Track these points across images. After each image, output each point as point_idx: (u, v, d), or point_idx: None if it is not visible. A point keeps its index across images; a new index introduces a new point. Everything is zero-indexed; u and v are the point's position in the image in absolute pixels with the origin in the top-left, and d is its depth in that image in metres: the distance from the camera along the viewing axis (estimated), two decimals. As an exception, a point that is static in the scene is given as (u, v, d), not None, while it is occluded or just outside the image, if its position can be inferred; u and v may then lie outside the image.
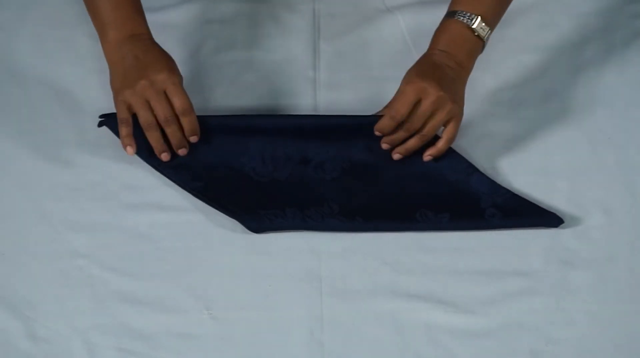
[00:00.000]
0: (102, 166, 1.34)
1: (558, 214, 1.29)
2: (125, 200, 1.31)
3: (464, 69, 1.33)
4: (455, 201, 1.30)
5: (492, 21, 1.35)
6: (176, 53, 1.42)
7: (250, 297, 1.23)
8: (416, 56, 1.39)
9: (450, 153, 1.34)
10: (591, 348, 1.19)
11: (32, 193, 1.32)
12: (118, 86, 1.32)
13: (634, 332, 1.21)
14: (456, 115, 1.31)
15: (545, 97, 1.43)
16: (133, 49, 1.33)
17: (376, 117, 1.33)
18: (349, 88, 1.44)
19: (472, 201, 1.30)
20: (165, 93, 1.31)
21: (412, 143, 1.32)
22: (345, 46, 1.49)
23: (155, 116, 1.31)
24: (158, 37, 1.38)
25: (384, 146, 1.32)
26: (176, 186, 1.32)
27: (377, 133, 1.32)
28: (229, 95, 1.43)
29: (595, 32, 1.51)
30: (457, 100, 1.31)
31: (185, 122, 1.31)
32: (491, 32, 1.35)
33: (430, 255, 1.27)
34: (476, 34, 1.33)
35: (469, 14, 1.33)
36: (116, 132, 1.33)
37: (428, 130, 1.31)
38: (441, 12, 1.38)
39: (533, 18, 1.52)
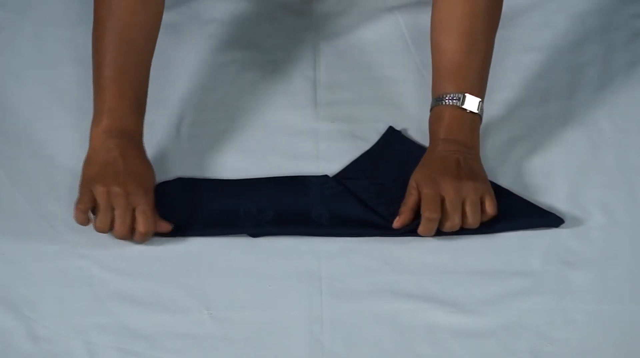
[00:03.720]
0: (102, 166, 1.34)
1: (558, 214, 1.29)
2: (125, 200, 1.31)
3: (472, 147, 1.31)
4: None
5: (480, 91, 1.32)
6: (176, 53, 1.42)
7: (250, 297, 1.23)
8: (416, 56, 1.39)
9: None
10: (591, 348, 1.19)
11: (32, 193, 1.32)
12: (92, 174, 1.27)
13: (634, 332, 1.21)
14: (485, 190, 1.28)
15: (545, 97, 1.43)
16: (120, 145, 1.28)
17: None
18: (349, 88, 1.44)
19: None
20: (133, 210, 1.26)
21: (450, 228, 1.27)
22: (345, 46, 1.49)
23: (110, 223, 1.26)
24: (158, 37, 1.38)
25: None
26: (176, 186, 1.32)
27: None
28: (229, 95, 1.43)
29: (595, 32, 1.51)
30: (477, 177, 1.28)
31: (139, 240, 1.27)
32: (482, 102, 1.32)
33: (430, 255, 1.27)
34: (469, 111, 1.31)
35: (456, 95, 1.31)
36: None
37: (474, 221, 1.27)
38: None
39: (533, 18, 1.52)
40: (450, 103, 1.31)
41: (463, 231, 1.28)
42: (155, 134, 1.39)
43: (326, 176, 1.34)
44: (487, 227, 1.28)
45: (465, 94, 1.31)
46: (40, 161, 1.35)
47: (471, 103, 1.31)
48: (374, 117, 1.40)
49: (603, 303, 1.23)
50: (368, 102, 1.42)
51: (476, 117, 1.32)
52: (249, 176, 1.34)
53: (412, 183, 1.28)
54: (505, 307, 1.22)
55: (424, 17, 1.50)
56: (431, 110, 1.33)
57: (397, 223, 1.27)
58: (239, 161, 1.36)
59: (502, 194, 1.31)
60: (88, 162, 1.29)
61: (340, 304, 1.22)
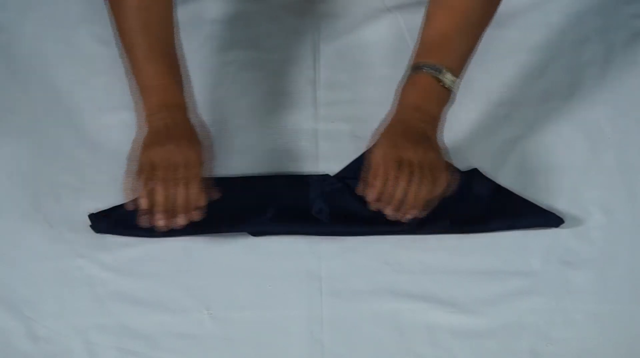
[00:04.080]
0: (102, 166, 1.34)
1: (558, 214, 1.29)
2: (125, 200, 1.31)
3: (435, 119, 1.29)
4: (456, 206, 1.30)
5: (458, 71, 1.31)
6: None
7: (250, 297, 1.23)
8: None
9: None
10: (591, 348, 1.20)
11: (33, 193, 1.32)
12: (147, 141, 1.27)
13: (634, 332, 1.21)
14: (439, 166, 1.27)
15: (545, 97, 1.43)
16: (166, 117, 1.28)
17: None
18: (349, 88, 1.44)
19: (473, 204, 1.30)
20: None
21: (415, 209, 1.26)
22: (345, 46, 1.49)
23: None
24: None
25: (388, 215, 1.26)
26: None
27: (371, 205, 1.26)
28: (229, 95, 1.43)
29: (595, 32, 1.51)
30: (435, 153, 1.27)
31: (193, 215, 1.25)
32: (460, 83, 1.31)
33: (430, 255, 1.27)
34: (445, 85, 1.30)
35: (435, 66, 1.29)
36: (102, 230, 1.28)
37: (418, 204, 1.25)
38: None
39: (533, 18, 1.52)
40: (429, 72, 1.30)
41: (462, 230, 1.28)
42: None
43: (326, 174, 1.34)
44: (488, 226, 1.28)
45: (445, 69, 1.30)
46: (40, 161, 1.35)
47: (449, 79, 1.30)
48: (374, 117, 1.40)
49: (603, 303, 1.23)
50: (368, 102, 1.42)
51: (448, 94, 1.30)
52: (248, 176, 1.34)
53: (376, 156, 1.26)
54: (505, 307, 1.22)
55: (424, 17, 1.51)
56: (406, 76, 1.31)
57: (371, 196, 1.25)
58: (239, 160, 1.36)
59: (502, 194, 1.31)
60: (140, 136, 1.28)
61: (340, 304, 1.23)
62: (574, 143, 1.38)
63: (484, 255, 1.27)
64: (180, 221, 1.23)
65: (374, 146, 1.27)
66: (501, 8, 1.43)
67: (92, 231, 1.28)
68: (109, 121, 1.38)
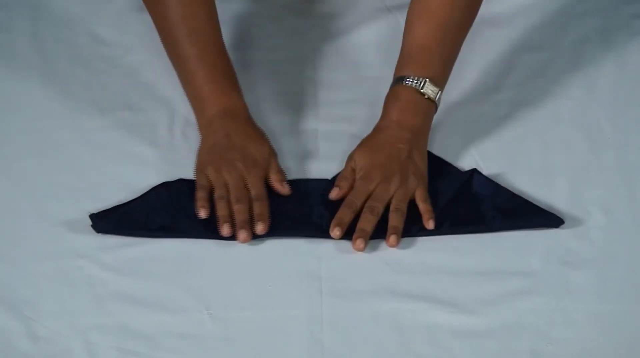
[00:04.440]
0: (102, 166, 1.34)
1: (558, 214, 1.29)
2: (125, 201, 1.31)
3: (421, 133, 1.32)
4: (456, 207, 1.30)
5: (440, 81, 1.33)
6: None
7: (250, 297, 1.23)
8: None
9: (446, 165, 1.34)
10: (591, 348, 1.19)
11: (32, 193, 1.32)
12: (203, 158, 1.31)
13: (634, 332, 1.21)
14: (417, 185, 1.29)
15: (546, 97, 1.43)
16: (225, 125, 1.32)
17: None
18: (349, 88, 1.44)
19: (473, 204, 1.30)
20: (244, 179, 1.29)
21: (397, 223, 1.27)
22: (345, 46, 1.49)
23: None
24: (158, 37, 1.37)
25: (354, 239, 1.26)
26: (176, 186, 1.32)
27: (334, 227, 1.26)
28: (229, 95, 1.43)
29: (595, 32, 1.51)
30: (416, 171, 1.30)
31: (256, 206, 1.28)
32: (442, 93, 1.33)
33: (430, 255, 1.27)
34: (426, 96, 1.32)
35: (417, 78, 1.31)
36: (103, 230, 1.28)
37: (400, 205, 1.27)
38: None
39: (533, 18, 1.52)
40: (410, 85, 1.31)
41: (462, 230, 1.28)
42: (156, 134, 1.39)
43: (326, 180, 1.34)
44: (487, 227, 1.28)
45: (426, 80, 1.31)
46: (40, 161, 1.35)
47: (430, 90, 1.31)
48: (374, 117, 1.40)
49: (603, 303, 1.23)
50: (368, 102, 1.42)
51: (432, 105, 1.32)
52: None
53: (352, 161, 1.31)
54: (505, 307, 1.22)
55: (424, 17, 1.50)
56: (390, 89, 1.34)
57: (335, 195, 1.29)
58: (239, 161, 1.36)
59: (502, 194, 1.31)
60: (200, 147, 1.33)
61: (340, 304, 1.22)
62: (574, 143, 1.38)
63: (484, 255, 1.27)
64: (258, 229, 1.26)
65: (352, 152, 1.31)
66: (501, 8, 1.44)
67: (92, 231, 1.28)
68: (109, 121, 1.38)
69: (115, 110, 1.40)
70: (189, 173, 1.34)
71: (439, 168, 1.34)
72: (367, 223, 1.26)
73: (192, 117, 1.40)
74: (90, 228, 1.28)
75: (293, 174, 1.34)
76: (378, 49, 1.49)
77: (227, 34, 1.50)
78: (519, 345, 1.19)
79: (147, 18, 1.41)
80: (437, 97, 1.32)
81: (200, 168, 1.31)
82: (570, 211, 1.31)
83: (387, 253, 1.27)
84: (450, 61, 1.34)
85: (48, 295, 1.23)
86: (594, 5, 1.52)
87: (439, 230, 1.28)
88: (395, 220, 1.27)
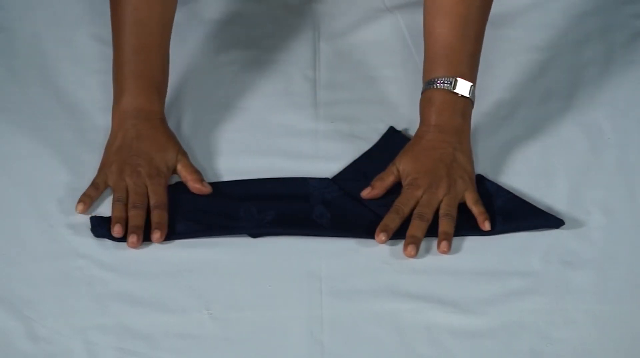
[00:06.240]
0: (102, 166, 1.34)
1: (558, 215, 1.29)
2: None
3: (462, 132, 1.32)
4: (457, 208, 1.30)
5: (471, 76, 1.33)
6: (176, 53, 1.42)
7: (250, 297, 1.23)
8: (416, 56, 1.39)
9: None
10: (591, 348, 1.19)
11: (32, 193, 1.32)
12: (110, 157, 1.32)
13: (634, 332, 1.21)
14: (466, 190, 1.29)
15: (545, 97, 1.43)
16: (137, 124, 1.32)
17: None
18: (349, 88, 1.44)
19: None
20: (146, 186, 1.30)
21: (447, 228, 1.27)
22: (345, 46, 1.49)
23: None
24: (158, 37, 1.38)
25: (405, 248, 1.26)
26: (176, 186, 1.32)
27: (380, 232, 1.26)
28: (229, 95, 1.43)
29: (595, 32, 1.51)
30: (462, 173, 1.30)
31: (155, 214, 1.28)
32: (474, 87, 1.33)
33: (431, 255, 1.27)
34: (460, 95, 1.32)
35: (447, 79, 1.31)
36: (101, 235, 1.28)
37: (449, 210, 1.28)
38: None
39: (533, 18, 1.52)
40: (442, 87, 1.31)
41: (462, 232, 1.28)
42: (155, 134, 1.39)
43: (327, 179, 1.34)
44: (488, 231, 1.28)
45: (457, 78, 1.31)
46: (40, 161, 1.35)
47: (463, 87, 1.31)
48: (374, 117, 1.40)
49: (603, 303, 1.23)
50: (368, 102, 1.42)
51: (468, 101, 1.32)
52: (249, 177, 1.34)
53: (395, 167, 1.30)
54: (505, 307, 1.22)
55: (424, 17, 1.51)
56: (422, 93, 1.33)
57: (366, 194, 1.30)
58: (239, 161, 1.36)
59: (503, 196, 1.31)
60: (109, 141, 1.33)
61: (340, 304, 1.22)
62: (574, 143, 1.38)
63: (484, 255, 1.27)
64: (155, 237, 1.26)
65: (395, 159, 1.31)
66: (501, 8, 1.44)
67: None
68: (108, 121, 1.38)
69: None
70: (189, 173, 1.34)
71: None
72: (418, 229, 1.26)
73: (191, 117, 1.41)
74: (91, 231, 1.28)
75: (293, 174, 1.34)
76: (378, 49, 1.49)
77: (227, 34, 1.50)
78: (519, 345, 1.19)
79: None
80: (471, 92, 1.32)
81: (103, 166, 1.31)
82: (570, 211, 1.31)
83: (387, 253, 1.27)
84: (475, 54, 1.34)
85: (48, 295, 1.23)
86: (594, 5, 1.52)
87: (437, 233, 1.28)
88: (446, 226, 1.26)
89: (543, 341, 1.19)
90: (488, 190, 1.32)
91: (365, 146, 1.37)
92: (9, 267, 1.25)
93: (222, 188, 1.32)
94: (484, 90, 1.43)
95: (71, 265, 1.25)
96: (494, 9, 1.47)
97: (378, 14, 1.53)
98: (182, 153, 1.33)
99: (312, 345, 1.19)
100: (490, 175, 1.34)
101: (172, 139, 1.33)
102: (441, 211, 1.27)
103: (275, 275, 1.25)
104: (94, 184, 1.30)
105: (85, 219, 1.29)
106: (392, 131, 1.38)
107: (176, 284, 1.24)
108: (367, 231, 1.28)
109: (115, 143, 1.32)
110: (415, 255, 1.25)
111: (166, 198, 1.29)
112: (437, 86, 1.31)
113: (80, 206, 1.28)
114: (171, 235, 1.27)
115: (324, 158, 1.37)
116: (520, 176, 1.34)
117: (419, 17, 1.50)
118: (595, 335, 1.20)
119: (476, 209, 1.28)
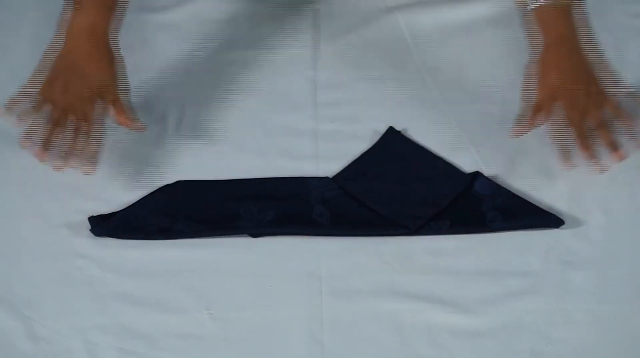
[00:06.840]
0: (102, 167, 1.34)
1: (558, 215, 1.29)
2: (125, 200, 1.31)
3: (572, 38, 1.34)
4: (456, 207, 1.30)
5: None
6: (176, 53, 1.42)
7: (250, 297, 1.23)
8: (416, 56, 1.39)
9: (446, 166, 1.34)
10: (591, 348, 1.19)
11: (32, 193, 1.32)
12: (53, 73, 1.31)
13: (634, 332, 1.21)
14: (602, 94, 1.33)
15: (546, 97, 1.43)
16: (86, 44, 1.31)
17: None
18: (349, 88, 1.44)
19: (474, 205, 1.30)
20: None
21: (612, 138, 1.31)
22: (345, 46, 1.49)
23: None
24: (158, 37, 1.38)
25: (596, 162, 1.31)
26: (176, 186, 1.32)
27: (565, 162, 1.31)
28: (229, 95, 1.43)
29: (595, 32, 1.50)
30: (595, 80, 1.33)
31: (79, 141, 1.28)
32: None
33: (431, 255, 1.27)
34: (555, 4, 1.34)
35: None
36: (101, 234, 1.29)
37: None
38: (441, 12, 1.38)
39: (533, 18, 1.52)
40: (536, 5, 1.34)
41: (462, 231, 1.28)
42: (155, 134, 1.39)
43: (327, 178, 1.34)
44: (488, 227, 1.28)
45: None
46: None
47: None
48: (374, 117, 1.40)
49: (603, 303, 1.23)
50: (368, 102, 1.42)
51: (565, 7, 1.35)
52: (248, 176, 1.34)
53: (544, 94, 1.33)
54: (505, 307, 1.22)
55: (424, 17, 1.51)
56: (523, 19, 1.36)
57: (515, 132, 1.33)
58: (239, 161, 1.36)
59: (502, 195, 1.31)
60: (48, 58, 1.33)
61: (340, 304, 1.23)
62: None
63: (484, 255, 1.27)
64: (71, 162, 1.26)
65: (538, 76, 1.33)
66: (501, 8, 1.44)
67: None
68: (108, 120, 1.38)
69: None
70: (190, 175, 1.34)
71: (440, 169, 1.34)
72: (611, 134, 1.31)
73: (191, 117, 1.41)
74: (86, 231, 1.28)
75: (293, 174, 1.35)
76: (378, 49, 1.49)
77: (227, 34, 1.50)
78: (519, 345, 1.19)
79: (147, 18, 1.40)
80: None
81: (45, 87, 1.31)
82: (570, 211, 1.31)
83: (387, 253, 1.27)
84: None
85: (48, 295, 1.23)
86: (594, 6, 1.52)
87: (439, 230, 1.28)
88: (609, 136, 1.30)
89: (543, 341, 1.19)
90: (487, 189, 1.32)
91: (365, 146, 1.37)
92: (9, 267, 1.25)
93: (222, 188, 1.33)
94: (484, 90, 1.43)
95: (71, 265, 1.25)
96: (495, 9, 1.47)
97: (378, 14, 1.53)
98: (115, 80, 1.32)
99: (312, 345, 1.19)
100: (490, 175, 1.34)
101: (111, 64, 1.33)
102: (596, 123, 1.30)
103: (275, 275, 1.25)
104: (26, 95, 1.30)
105: (85, 220, 1.29)
106: (391, 131, 1.38)
107: (176, 284, 1.24)
108: (367, 231, 1.28)
109: (63, 61, 1.32)
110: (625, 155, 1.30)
111: (100, 129, 1.29)
112: (530, 7, 1.34)
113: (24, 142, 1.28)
114: (171, 234, 1.28)
115: (324, 158, 1.37)
116: (520, 176, 1.34)
117: (419, 17, 1.51)
118: (595, 335, 1.20)
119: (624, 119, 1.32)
